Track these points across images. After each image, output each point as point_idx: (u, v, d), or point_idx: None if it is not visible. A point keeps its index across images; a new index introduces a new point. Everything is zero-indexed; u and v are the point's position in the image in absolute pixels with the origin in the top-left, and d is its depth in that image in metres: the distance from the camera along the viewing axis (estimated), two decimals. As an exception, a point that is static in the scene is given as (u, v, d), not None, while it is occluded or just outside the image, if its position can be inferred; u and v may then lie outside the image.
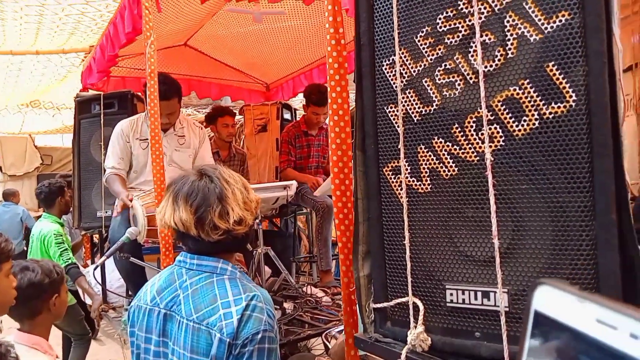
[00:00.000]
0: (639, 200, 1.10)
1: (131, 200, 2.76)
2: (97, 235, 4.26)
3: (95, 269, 3.18)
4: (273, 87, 5.20)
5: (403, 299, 1.13)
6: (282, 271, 3.23)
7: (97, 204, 3.79)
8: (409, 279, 1.12)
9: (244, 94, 5.15)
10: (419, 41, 1.16)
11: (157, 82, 2.50)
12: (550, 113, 1.02)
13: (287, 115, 4.65)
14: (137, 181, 3.20)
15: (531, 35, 1.03)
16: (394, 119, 1.20)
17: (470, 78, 1.10)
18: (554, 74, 1.02)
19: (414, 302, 1.10)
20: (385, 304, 1.17)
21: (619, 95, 1.05)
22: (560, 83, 1.01)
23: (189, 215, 1.25)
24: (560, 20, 1.01)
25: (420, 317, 1.07)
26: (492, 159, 1.06)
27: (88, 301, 3.58)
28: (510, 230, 1.08)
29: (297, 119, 4.47)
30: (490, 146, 1.07)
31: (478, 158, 1.09)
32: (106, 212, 3.70)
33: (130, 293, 3.45)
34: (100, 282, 3.58)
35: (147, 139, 2.96)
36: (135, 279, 2.93)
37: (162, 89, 2.58)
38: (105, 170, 3.17)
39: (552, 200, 1.03)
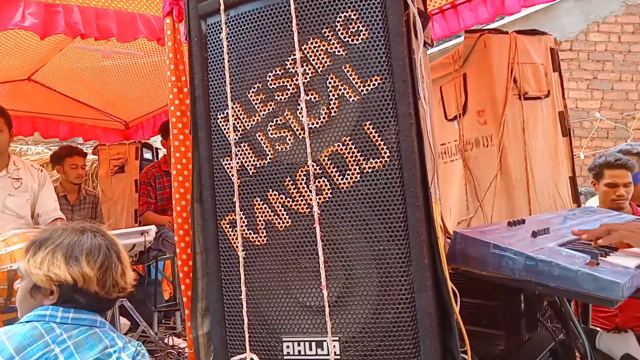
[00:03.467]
0: (452, 242, 1.23)
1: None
2: None
3: None
4: (132, 125, 4.94)
5: (242, 356, 1.11)
6: (139, 323, 3.01)
7: None
8: (247, 335, 1.11)
9: (98, 133, 4.81)
10: (251, 96, 1.20)
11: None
12: (369, 168, 1.11)
13: (147, 155, 4.44)
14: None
15: (350, 96, 1.12)
16: (229, 172, 1.20)
17: (300, 133, 1.15)
18: (371, 133, 1.11)
19: (251, 358, 1.09)
20: (224, 363, 1.14)
21: (427, 151, 1.19)
22: (377, 141, 1.11)
23: (92, 271, 1.24)
24: (374, 84, 1.11)
25: (256, 374, 1.06)
26: (321, 210, 1.12)
27: None
28: (342, 279, 1.13)
29: (159, 158, 4.29)
30: (319, 198, 1.12)
31: (309, 210, 1.13)
32: None
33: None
34: None
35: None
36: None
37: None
38: None
39: (375, 249, 1.11)
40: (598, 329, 2.21)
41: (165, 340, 3.12)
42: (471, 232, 1.26)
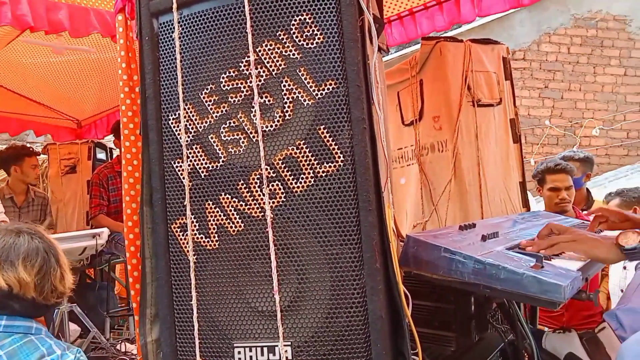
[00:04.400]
0: (405, 246, 1.24)
1: None
2: None
3: None
4: (85, 124, 4.77)
5: (191, 363, 1.09)
6: (90, 329, 2.90)
7: None
8: (197, 341, 1.09)
9: (50, 131, 4.62)
10: (204, 98, 1.17)
11: None
12: (323, 172, 1.11)
13: (101, 155, 4.30)
14: None
15: (305, 100, 1.12)
16: (181, 174, 1.18)
17: (253, 136, 1.14)
18: (325, 137, 1.11)
19: (200, 366, 1.07)
20: (173, 370, 1.11)
21: (380, 156, 1.20)
22: (330, 145, 1.11)
23: (29, 277, 1.19)
24: (329, 88, 1.11)
25: (206, 382, 1.04)
26: (275, 214, 1.11)
27: None
28: (295, 283, 1.12)
29: (113, 159, 4.16)
30: (273, 202, 1.11)
31: (262, 214, 1.12)
32: None
33: None
34: None
35: None
36: None
37: None
38: None
39: (329, 253, 1.11)
40: (546, 329, 2.30)
41: (118, 347, 3.02)
42: (423, 236, 1.28)
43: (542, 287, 1.09)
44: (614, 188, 5.74)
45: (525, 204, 2.40)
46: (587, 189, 3.20)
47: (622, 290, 2.68)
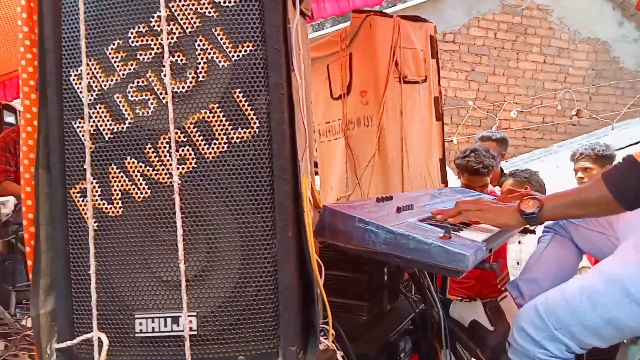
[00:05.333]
0: (321, 217, 1.24)
1: None
2: None
3: None
4: (-7, 84, 4.36)
5: (88, 335, 1.03)
6: (-8, 304, 2.70)
7: None
8: (94, 312, 1.03)
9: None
10: (110, 53, 1.08)
11: None
12: (237, 137, 1.07)
13: (9, 119, 3.96)
14: None
15: (220, 62, 1.06)
16: (82, 136, 1.09)
17: (163, 97, 1.07)
18: (241, 101, 1.07)
19: (98, 337, 1.01)
20: (69, 343, 1.04)
21: (299, 125, 1.17)
22: (246, 110, 1.07)
23: None
24: (246, 51, 1.06)
25: (103, 354, 0.99)
26: (184, 180, 1.06)
27: None
28: (204, 252, 1.08)
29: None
30: (183, 168, 1.06)
31: (171, 180, 1.07)
32: None
33: None
34: None
35: None
36: None
37: None
38: None
39: (240, 221, 1.08)
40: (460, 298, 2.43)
41: (23, 322, 2.84)
42: (339, 207, 1.28)
43: (448, 257, 1.14)
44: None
45: (444, 180, 2.49)
46: (501, 168, 3.40)
47: (517, 263, 2.90)
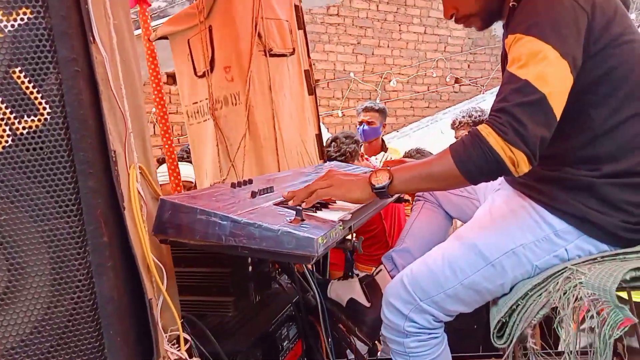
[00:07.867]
0: (159, 211, 1.08)
1: None
2: None
3: None
4: None
5: None
6: None
7: None
8: None
9: None
10: None
11: None
12: (24, 128, 0.87)
13: None
14: None
15: (-12, 34, 0.85)
16: None
17: None
18: (23, 83, 0.86)
19: None
20: None
21: (113, 106, 0.99)
22: (32, 93, 0.87)
23: None
24: (23, 19, 0.86)
25: None
26: (-43, 187, 0.84)
27: None
28: (4, 271, 0.88)
29: None
30: (-46, 171, 0.84)
31: (-59, 187, 0.84)
32: None
33: None
34: None
35: None
36: None
37: None
38: None
39: (44, 229, 0.89)
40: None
41: None
42: (178, 198, 1.13)
43: (298, 242, 1.04)
44: (418, 137, 6.36)
45: (322, 156, 2.42)
46: (382, 139, 3.45)
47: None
